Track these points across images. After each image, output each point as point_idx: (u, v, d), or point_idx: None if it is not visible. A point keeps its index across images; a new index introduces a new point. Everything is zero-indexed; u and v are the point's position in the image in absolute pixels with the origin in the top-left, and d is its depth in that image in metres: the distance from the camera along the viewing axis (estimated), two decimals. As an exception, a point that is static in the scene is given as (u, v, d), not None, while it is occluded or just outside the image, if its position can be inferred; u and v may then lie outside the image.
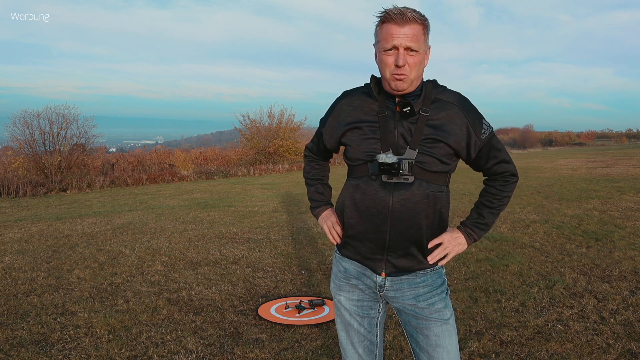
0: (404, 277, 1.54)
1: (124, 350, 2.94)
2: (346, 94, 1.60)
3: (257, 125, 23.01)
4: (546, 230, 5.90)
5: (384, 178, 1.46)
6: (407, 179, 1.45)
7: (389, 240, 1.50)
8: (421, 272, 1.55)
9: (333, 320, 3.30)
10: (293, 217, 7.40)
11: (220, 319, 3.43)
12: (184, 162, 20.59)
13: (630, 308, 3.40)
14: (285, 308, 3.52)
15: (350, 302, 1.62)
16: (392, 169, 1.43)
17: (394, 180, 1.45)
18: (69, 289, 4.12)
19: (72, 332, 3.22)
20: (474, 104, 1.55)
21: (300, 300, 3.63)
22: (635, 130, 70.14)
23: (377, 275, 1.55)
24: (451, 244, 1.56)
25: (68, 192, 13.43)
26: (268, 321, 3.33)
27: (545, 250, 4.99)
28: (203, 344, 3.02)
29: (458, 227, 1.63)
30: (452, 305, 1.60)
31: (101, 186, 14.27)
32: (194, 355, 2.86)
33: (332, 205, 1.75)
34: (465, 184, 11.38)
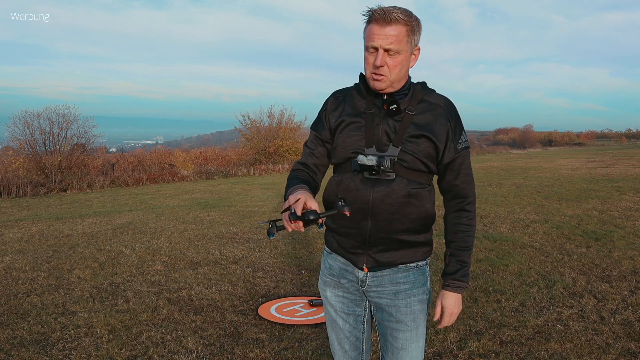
0: (385, 271, 1.53)
1: (124, 350, 2.95)
2: (336, 94, 1.59)
3: (257, 125, 23.01)
4: (546, 230, 5.90)
5: (366, 174, 1.46)
6: (389, 176, 1.44)
7: (369, 235, 1.48)
8: (403, 266, 1.53)
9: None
10: (293, 217, 7.42)
11: (221, 318, 3.43)
12: (184, 162, 20.59)
13: (630, 308, 3.40)
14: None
15: (336, 298, 1.61)
16: (372, 170, 1.43)
17: (376, 177, 1.45)
18: (70, 289, 4.13)
19: (72, 331, 3.23)
20: (459, 113, 1.54)
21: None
22: (634, 130, 70.10)
23: (359, 270, 1.54)
24: (450, 309, 1.54)
25: (68, 192, 13.43)
26: (268, 321, 3.34)
27: (545, 250, 4.99)
28: (203, 343, 3.03)
29: (447, 286, 1.54)
30: (429, 308, 1.62)
31: (101, 186, 14.27)
32: (194, 355, 2.87)
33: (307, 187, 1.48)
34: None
